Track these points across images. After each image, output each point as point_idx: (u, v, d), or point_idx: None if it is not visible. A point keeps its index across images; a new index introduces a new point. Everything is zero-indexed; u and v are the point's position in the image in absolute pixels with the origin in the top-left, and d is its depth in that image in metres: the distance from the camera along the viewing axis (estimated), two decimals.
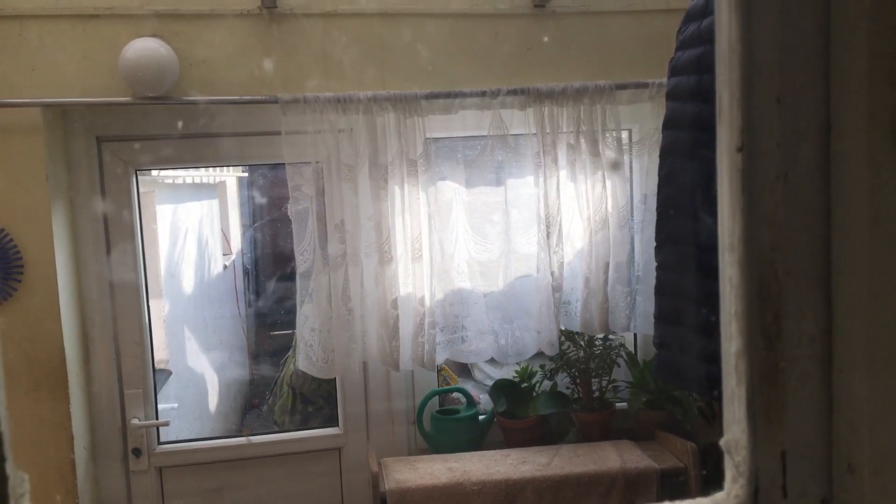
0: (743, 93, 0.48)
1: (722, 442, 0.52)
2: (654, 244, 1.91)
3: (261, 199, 7.19)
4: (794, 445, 0.51)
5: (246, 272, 6.98)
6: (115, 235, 2.85)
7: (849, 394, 0.51)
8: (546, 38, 2.89)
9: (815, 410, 0.51)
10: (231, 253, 6.52)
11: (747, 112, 0.48)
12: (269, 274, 7.17)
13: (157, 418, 2.96)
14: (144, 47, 2.51)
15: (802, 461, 0.51)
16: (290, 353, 4.51)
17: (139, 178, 2.95)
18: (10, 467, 0.41)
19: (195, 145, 2.88)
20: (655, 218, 1.89)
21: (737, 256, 0.49)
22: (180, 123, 2.79)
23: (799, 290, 0.50)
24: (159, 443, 2.97)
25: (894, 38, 0.47)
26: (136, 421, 2.89)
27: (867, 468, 0.50)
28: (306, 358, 2.78)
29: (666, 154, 1.83)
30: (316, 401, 4.30)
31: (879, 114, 0.48)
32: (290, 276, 2.85)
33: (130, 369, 2.89)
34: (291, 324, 2.88)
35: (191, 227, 5.24)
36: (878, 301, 0.49)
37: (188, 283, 5.14)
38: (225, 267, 6.27)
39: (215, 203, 6.18)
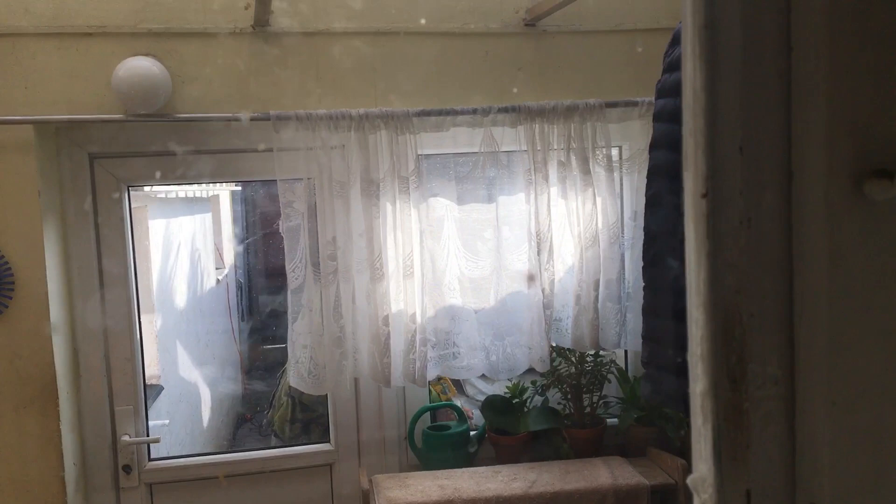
0: (707, 141, 0.49)
1: (689, 480, 0.53)
2: (642, 264, 1.92)
3: (254, 213, 7.20)
4: (758, 484, 0.52)
5: (239, 286, 6.97)
6: (107, 251, 2.85)
7: (811, 434, 0.52)
8: (536, 57, 2.91)
9: (778, 450, 0.52)
10: (224, 266, 6.52)
11: (711, 160, 0.49)
12: (262, 287, 7.16)
13: (147, 434, 2.96)
14: (137, 66, 2.53)
15: (767, 499, 0.52)
16: (287, 364, 4.52)
17: (131, 193, 2.95)
18: None
19: (187, 162, 2.89)
20: (643, 238, 1.91)
21: (702, 299, 0.50)
22: (172, 140, 2.80)
23: (763, 333, 0.52)
24: (150, 459, 2.97)
25: (852, 92, 0.49)
26: (126, 437, 2.89)
27: None
28: (297, 374, 2.79)
29: (653, 175, 1.85)
30: (315, 409, 4.31)
31: (838, 163, 0.49)
32: (283, 290, 2.85)
33: (121, 385, 2.89)
34: (284, 338, 2.88)
35: (184, 242, 5.24)
36: (839, 344, 0.51)
37: (181, 298, 5.13)
38: (218, 281, 6.27)
39: (208, 217, 6.19)
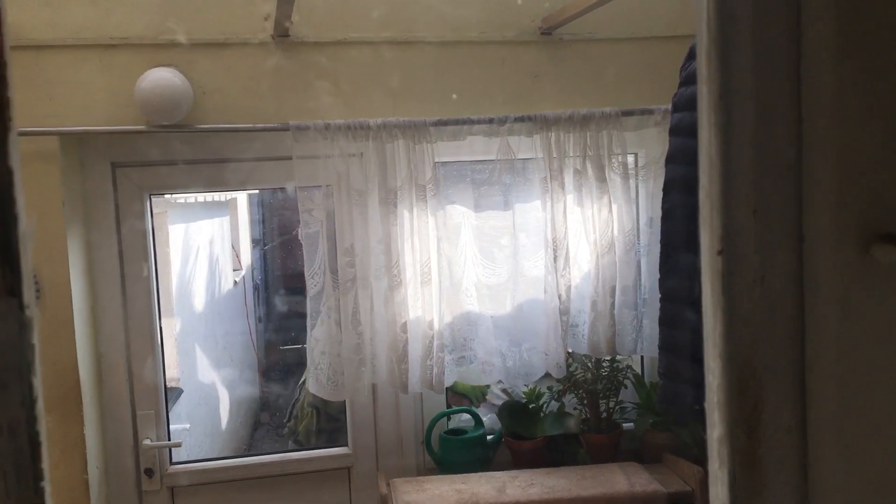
0: (722, 203, 0.51)
1: None
2: (658, 276, 1.94)
3: (272, 214, 7.24)
4: None
5: (256, 287, 7.02)
6: (129, 258, 2.90)
7: (823, 480, 0.54)
8: (552, 65, 2.93)
9: (791, 495, 0.55)
10: (241, 268, 6.57)
11: (726, 220, 0.52)
12: (279, 289, 7.20)
13: (168, 438, 3.00)
14: (159, 78, 2.57)
15: None
16: (306, 372, 4.54)
17: (153, 199, 3.00)
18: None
19: (208, 170, 2.93)
20: (660, 250, 1.93)
21: (718, 351, 0.53)
22: (193, 149, 2.84)
23: (776, 384, 0.54)
24: (171, 463, 3.02)
25: (860, 160, 0.51)
26: (148, 442, 2.94)
27: None
28: (316, 380, 2.82)
29: (669, 189, 1.86)
30: (339, 417, 4.34)
31: (847, 228, 0.52)
32: (300, 291, 2.88)
33: (143, 390, 2.94)
34: (302, 339, 2.91)
35: (202, 245, 5.30)
36: (848, 395, 0.53)
37: (199, 301, 5.19)
38: (235, 283, 6.33)
39: (226, 220, 6.25)
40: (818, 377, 0.54)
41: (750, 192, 0.52)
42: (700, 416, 1.84)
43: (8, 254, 0.41)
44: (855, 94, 0.50)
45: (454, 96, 2.86)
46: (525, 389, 3.15)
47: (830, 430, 0.54)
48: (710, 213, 0.52)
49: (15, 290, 0.42)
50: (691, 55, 1.84)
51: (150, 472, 2.95)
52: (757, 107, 0.50)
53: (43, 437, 0.44)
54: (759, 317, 0.53)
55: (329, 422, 4.34)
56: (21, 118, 2.60)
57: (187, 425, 4.02)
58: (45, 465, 0.44)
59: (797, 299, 0.54)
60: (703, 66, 0.50)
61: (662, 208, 1.89)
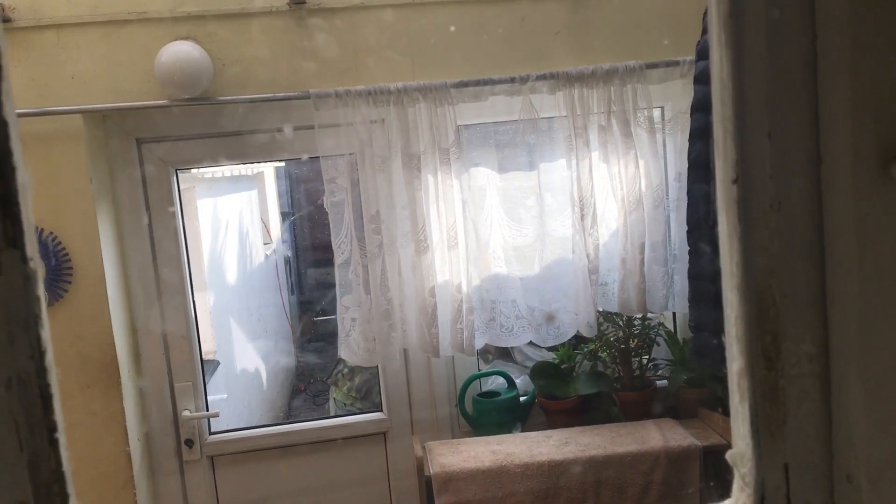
0: (736, 128, 0.49)
1: (728, 455, 0.55)
2: (687, 228, 1.91)
3: (299, 187, 7.27)
4: (795, 458, 0.53)
5: (287, 260, 7.07)
6: (159, 233, 2.93)
7: (846, 410, 0.53)
8: (574, 20, 2.88)
9: (814, 425, 0.54)
10: (271, 242, 6.62)
11: (741, 146, 0.50)
12: (310, 260, 7.25)
13: (207, 409, 3.05)
14: (178, 51, 2.56)
15: (804, 472, 0.54)
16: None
17: (179, 175, 3.02)
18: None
19: (232, 143, 2.94)
20: (687, 202, 1.90)
21: (736, 281, 0.51)
22: (216, 122, 2.85)
23: (796, 313, 0.53)
24: (210, 433, 3.06)
25: (876, 78, 0.49)
26: (187, 413, 2.98)
27: (864, 478, 0.52)
28: (347, 347, 2.84)
29: (695, 138, 1.83)
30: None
31: (865, 147, 0.49)
32: (330, 262, 2.90)
33: (179, 363, 2.98)
34: (333, 310, 2.93)
35: (231, 219, 5.33)
36: (870, 322, 0.51)
37: (231, 275, 5.24)
38: (266, 256, 6.38)
39: (254, 194, 6.28)
40: (839, 304, 0.52)
41: (764, 114, 0.50)
42: None
43: (8, 206, 0.41)
44: (871, 9, 0.47)
45: (451, 27, 2.82)
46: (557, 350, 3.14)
47: (853, 358, 0.52)
48: (724, 139, 0.50)
49: (17, 242, 0.41)
50: None
51: (189, 443, 3.00)
52: (768, 24, 0.48)
53: (55, 389, 0.44)
54: (777, 244, 0.51)
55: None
56: (44, 97, 2.63)
57: (225, 395, 4.08)
58: (59, 416, 0.45)
59: (816, 224, 0.52)
60: None
61: (689, 158, 1.85)
